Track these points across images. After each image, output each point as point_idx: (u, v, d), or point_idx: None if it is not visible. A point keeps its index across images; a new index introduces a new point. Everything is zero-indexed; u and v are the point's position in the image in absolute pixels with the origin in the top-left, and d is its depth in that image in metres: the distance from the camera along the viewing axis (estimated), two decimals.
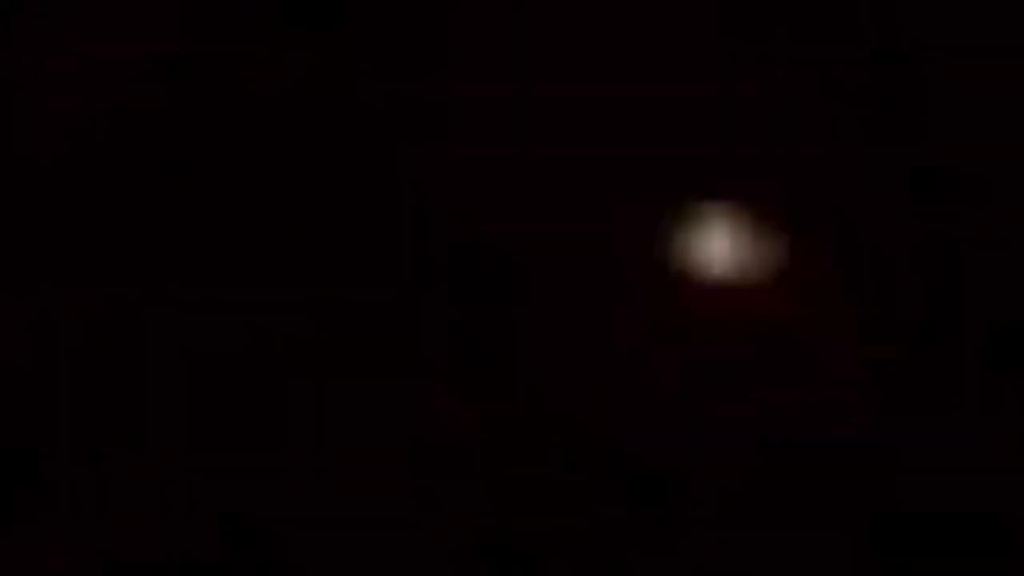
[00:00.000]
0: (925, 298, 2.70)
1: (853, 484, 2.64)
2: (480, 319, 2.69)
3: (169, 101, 2.76)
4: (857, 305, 2.69)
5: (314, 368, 2.68)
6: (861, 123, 2.74)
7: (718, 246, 2.68)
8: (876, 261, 2.71)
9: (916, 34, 2.77)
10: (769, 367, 2.68)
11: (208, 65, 2.76)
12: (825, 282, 2.70)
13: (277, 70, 2.76)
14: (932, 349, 2.68)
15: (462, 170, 2.74)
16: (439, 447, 2.66)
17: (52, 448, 2.65)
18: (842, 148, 2.74)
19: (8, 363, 2.68)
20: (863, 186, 2.73)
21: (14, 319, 2.70)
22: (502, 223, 2.72)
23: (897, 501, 2.63)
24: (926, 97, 2.75)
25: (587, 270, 2.70)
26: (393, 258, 2.72)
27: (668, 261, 2.69)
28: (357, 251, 2.72)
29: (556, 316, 2.69)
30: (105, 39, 2.78)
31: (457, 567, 2.62)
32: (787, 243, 2.71)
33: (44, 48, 2.77)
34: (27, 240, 2.72)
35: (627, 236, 2.69)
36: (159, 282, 2.71)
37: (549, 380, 2.67)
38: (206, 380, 2.67)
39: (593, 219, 2.71)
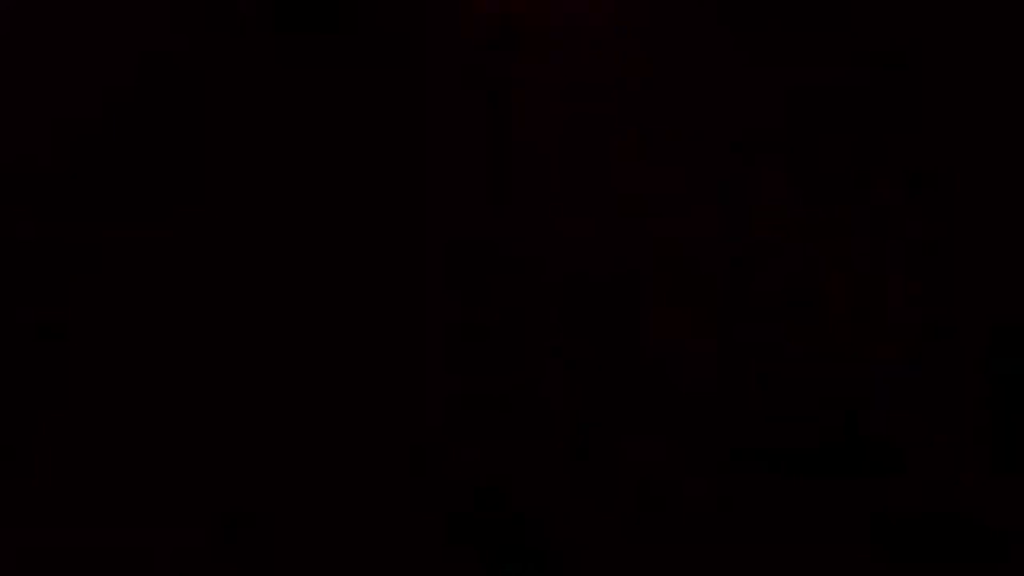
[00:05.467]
0: (925, 298, 2.70)
1: (853, 484, 2.64)
2: (480, 320, 2.70)
3: (168, 101, 2.76)
4: (856, 306, 2.69)
5: (313, 369, 2.68)
6: (861, 123, 2.75)
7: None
8: (874, 261, 2.71)
9: (915, 35, 2.77)
10: (768, 367, 2.68)
11: (206, 65, 2.76)
12: (825, 283, 2.70)
13: (275, 71, 2.76)
14: (932, 349, 2.68)
15: (460, 167, 2.74)
16: (438, 445, 2.65)
17: (50, 447, 2.65)
18: (841, 148, 2.74)
19: (8, 363, 2.68)
20: (861, 185, 2.73)
21: (16, 320, 2.70)
22: (500, 220, 2.72)
23: (897, 501, 2.63)
24: (925, 98, 2.76)
25: (584, 266, 2.70)
26: (391, 257, 2.72)
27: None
28: (355, 250, 2.72)
29: (553, 310, 2.69)
30: (105, 40, 2.78)
31: (456, 565, 2.62)
32: (784, 241, 2.71)
33: (45, 48, 2.77)
34: (27, 240, 2.72)
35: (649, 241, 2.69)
36: (158, 283, 2.70)
37: (544, 381, 2.67)
38: (205, 381, 2.67)
39: (597, 218, 2.71)
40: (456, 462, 2.65)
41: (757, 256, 2.70)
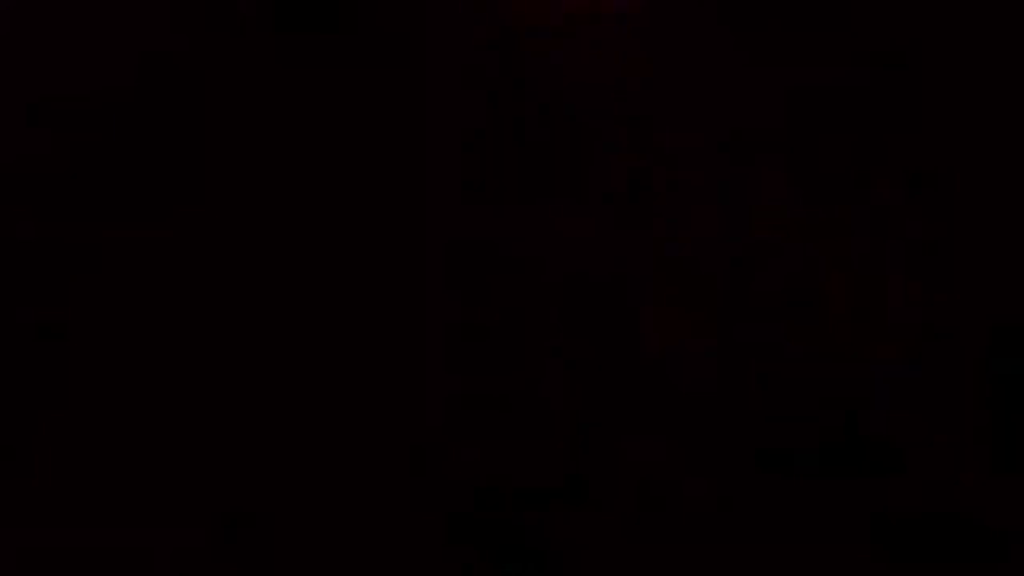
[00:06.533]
0: (925, 298, 2.70)
1: (853, 484, 2.64)
2: (480, 320, 2.69)
3: (168, 101, 2.75)
4: (856, 306, 2.69)
5: (313, 369, 2.68)
6: (861, 123, 2.75)
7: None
8: (874, 261, 2.71)
9: (915, 35, 2.77)
10: (768, 367, 2.68)
11: (206, 65, 2.76)
12: (825, 283, 2.70)
13: (275, 71, 2.76)
14: (932, 349, 2.68)
15: (460, 168, 2.74)
16: (438, 445, 2.65)
17: (50, 447, 2.65)
18: (841, 148, 2.74)
19: (8, 363, 2.68)
20: (861, 185, 2.73)
21: (16, 320, 2.70)
22: (500, 220, 2.72)
23: (897, 501, 2.63)
24: (925, 98, 2.76)
25: (579, 263, 2.70)
26: (391, 257, 2.72)
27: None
28: (355, 250, 2.72)
29: (550, 306, 2.69)
30: (105, 40, 2.78)
31: (456, 565, 2.62)
32: (784, 241, 2.71)
33: (45, 48, 2.77)
34: (27, 240, 2.72)
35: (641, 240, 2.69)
36: (158, 283, 2.70)
37: (544, 381, 2.67)
38: (205, 381, 2.67)
39: (595, 216, 2.71)
40: (456, 462, 2.65)
41: (757, 256, 2.70)
